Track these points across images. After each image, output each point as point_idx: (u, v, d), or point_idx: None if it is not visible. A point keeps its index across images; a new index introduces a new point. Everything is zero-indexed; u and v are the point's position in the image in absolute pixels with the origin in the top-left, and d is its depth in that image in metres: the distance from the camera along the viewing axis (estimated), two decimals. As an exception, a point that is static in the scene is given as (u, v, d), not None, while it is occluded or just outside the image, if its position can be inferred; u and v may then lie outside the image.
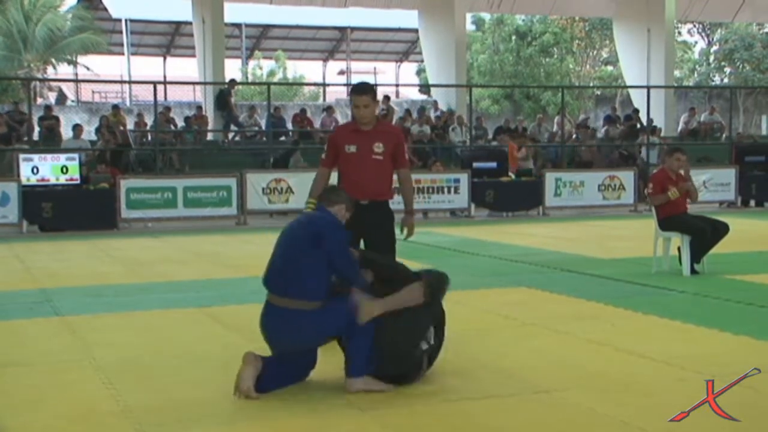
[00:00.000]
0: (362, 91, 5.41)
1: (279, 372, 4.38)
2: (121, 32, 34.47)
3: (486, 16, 35.86)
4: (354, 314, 4.27)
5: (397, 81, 40.49)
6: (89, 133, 19.62)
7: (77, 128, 17.87)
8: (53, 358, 5.33)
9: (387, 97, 21.14)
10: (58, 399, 4.39)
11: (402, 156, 5.62)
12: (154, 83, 19.24)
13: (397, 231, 5.62)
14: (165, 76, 35.95)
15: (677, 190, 8.44)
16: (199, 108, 21.53)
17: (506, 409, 4.15)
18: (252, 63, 38.70)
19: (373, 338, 4.30)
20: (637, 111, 22.56)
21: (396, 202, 5.71)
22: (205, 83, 22.21)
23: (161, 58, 38.06)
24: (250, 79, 36.92)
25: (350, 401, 4.22)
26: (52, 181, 14.69)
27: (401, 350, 4.36)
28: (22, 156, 14.96)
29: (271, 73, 38.59)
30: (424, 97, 33.47)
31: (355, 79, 36.59)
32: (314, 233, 4.36)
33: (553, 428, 3.89)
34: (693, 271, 8.33)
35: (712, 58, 40.03)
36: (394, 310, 4.35)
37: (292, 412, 4.12)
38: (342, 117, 21.84)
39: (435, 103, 23.68)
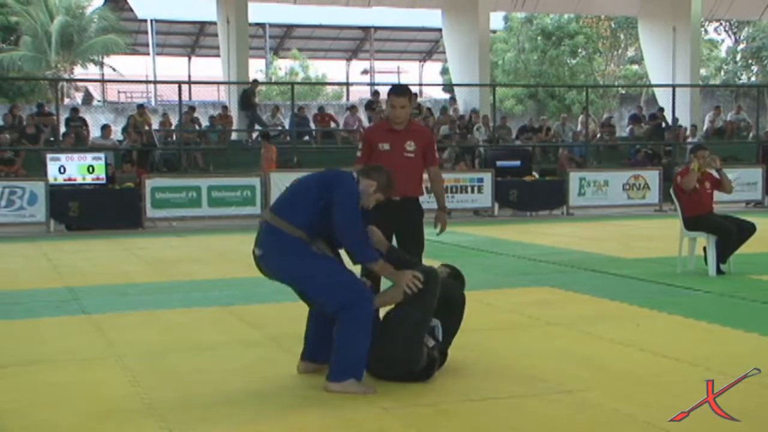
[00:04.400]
0: (401, 92, 5.68)
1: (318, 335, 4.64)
2: (146, 32, 34.77)
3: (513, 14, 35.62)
4: (354, 295, 4.32)
5: (420, 80, 40.50)
6: (116, 132, 19.80)
7: (106, 128, 18.09)
8: (79, 355, 5.38)
9: (415, 95, 21.07)
10: (83, 396, 4.43)
11: (432, 154, 5.85)
12: (179, 83, 19.39)
13: (429, 228, 5.79)
14: (189, 76, 36.22)
15: (698, 165, 8.31)
16: (224, 108, 21.64)
17: (530, 409, 4.13)
18: (275, 62, 38.83)
19: (368, 339, 4.33)
20: (662, 110, 22.38)
21: (427, 202, 5.82)
22: (229, 83, 22.31)
23: (186, 58, 38.34)
24: (273, 79, 37.03)
25: (373, 400, 4.22)
26: (79, 180, 14.87)
27: (402, 352, 4.39)
28: (49, 156, 15.13)
29: (293, 73, 38.65)
30: (447, 96, 33.40)
31: (379, 79, 36.74)
32: (327, 183, 4.46)
33: (577, 428, 3.87)
34: (719, 272, 8.27)
35: (739, 56, 39.59)
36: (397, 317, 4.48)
37: (316, 410, 4.13)
38: (365, 116, 21.82)
39: (453, 100, 23.56)
